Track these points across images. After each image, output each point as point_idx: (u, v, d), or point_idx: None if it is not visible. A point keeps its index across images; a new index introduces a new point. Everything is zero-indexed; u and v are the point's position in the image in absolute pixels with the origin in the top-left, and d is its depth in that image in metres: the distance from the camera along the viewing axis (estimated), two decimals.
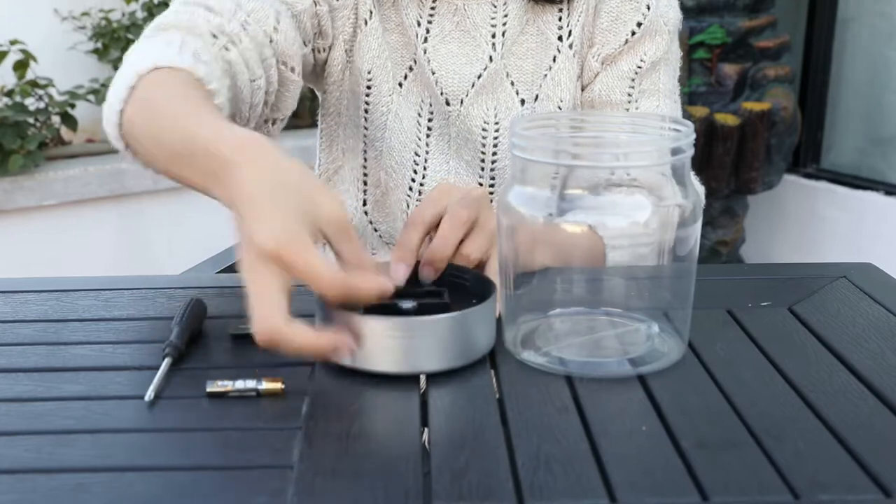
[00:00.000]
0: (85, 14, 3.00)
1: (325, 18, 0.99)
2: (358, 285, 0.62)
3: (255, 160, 0.64)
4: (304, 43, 0.98)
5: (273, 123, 1.00)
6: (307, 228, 0.61)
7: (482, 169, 1.04)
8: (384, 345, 0.65)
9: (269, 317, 0.59)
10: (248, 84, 0.90)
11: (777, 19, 2.84)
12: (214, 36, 0.87)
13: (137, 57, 0.81)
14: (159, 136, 0.74)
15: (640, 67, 1.01)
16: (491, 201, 1.02)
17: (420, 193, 1.04)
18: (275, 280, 0.60)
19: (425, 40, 1.01)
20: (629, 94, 1.02)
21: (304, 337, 0.59)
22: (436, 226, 0.75)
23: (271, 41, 0.92)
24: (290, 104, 0.99)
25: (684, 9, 1.06)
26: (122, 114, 0.79)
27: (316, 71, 1.06)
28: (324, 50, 1.02)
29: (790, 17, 3.04)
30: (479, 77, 1.01)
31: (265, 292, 0.59)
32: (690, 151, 0.66)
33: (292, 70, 0.95)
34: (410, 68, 1.03)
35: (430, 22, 1.00)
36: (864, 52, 2.97)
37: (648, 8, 1.00)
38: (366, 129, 1.05)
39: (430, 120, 1.03)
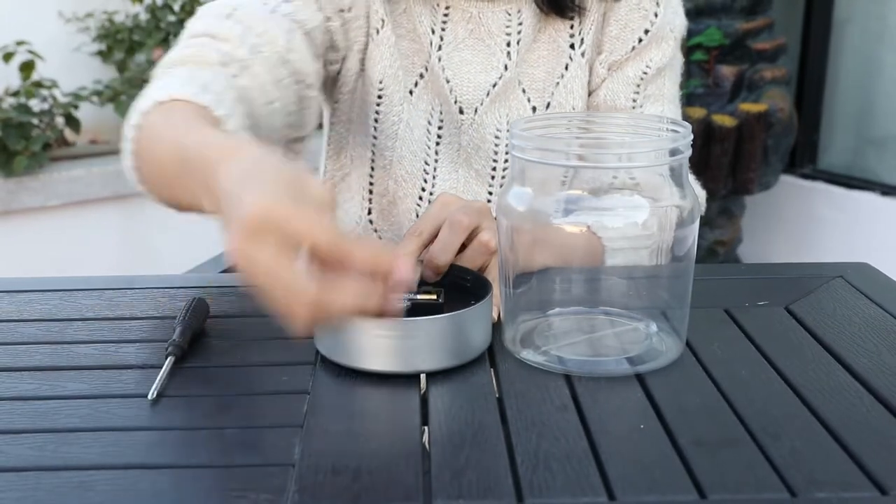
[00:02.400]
0: (89, 15, 3.00)
1: (337, 32, 0.98)
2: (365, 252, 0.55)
3: (238, 155, 0.60)
4: (316, 58, 0.97)
5: (298, 142, 0.98)
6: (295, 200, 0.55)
7: (492, 178, 1.03)
8: (379, 345, 0.65)
9: (298, 293, 0.52)
10: (264, 107, 0.87)
11: (774, 21, 2.85)
12: (224, 64, 0.85)
13: (142, 98, 0.81)
14: (159, 162, 0.74)
15: (645, 73, 1.02)
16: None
17: (429, 203, 1.04)
18: (278, 249, 0.52)
19: (439, 48, 1.00)
20: (634, 100, 1.02)
21: (346, 298, 0.53)
22: (434, 237, 0.75)
23: (286, 61, 0.90)
24: (313, 120, 0.96)
25: None
26: (133, 154, 0.78)
27: (327, 83, 1.05)
28: (336, 62, 1.01)
29: (787, 20, 3.04)
30: (493, 85, 1.01)
31: (277, 268, 0.52)
32: (688, 152, 0.66)
33: (310, 87, 0.93)
34: (421, 76, 1.02)
35: (443, 29, 1.00)
36: (860, 53, 2.97)
37: (656, 15, 1.00)
38: (375, 138, 1.04)
39: (440, 128, 1.03)
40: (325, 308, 0.52)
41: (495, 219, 0.80)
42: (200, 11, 0.92)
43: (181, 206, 0.75)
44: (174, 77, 0.82)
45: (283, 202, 0.53)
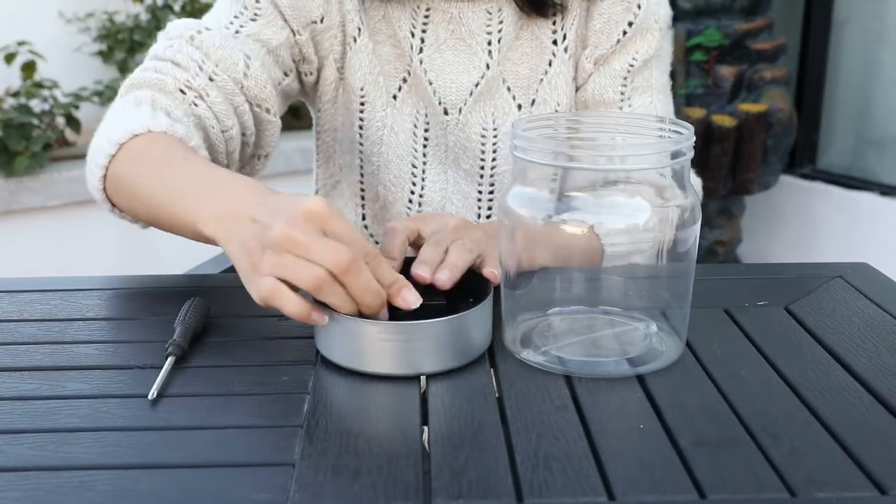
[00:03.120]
0: (90, 16, 3.00)
1: (306, 45, 0.99)
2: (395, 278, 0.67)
3: (238, 184, 0.72)
4: (285, 74, 0.99)
5: (259, 159, 1.02)
6: None
7: (481, 177, 1.04)
8: (381, 348, 0.65)
9: (341, 252, 0.62)
10: (220, 136, 0.92)
11: (773, 22, 2.85)
12: (182, 91, 0.90)
13: (114, 124, 0.84)
14: (147, 187, 0.79)
15: (632, 66, 1.02)
16: (490, 209, 1.04)
17: (420, 205, 1.04)
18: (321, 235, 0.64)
19: (420, 50, 1.00)
20: (622, 93, 1.02)
21: (373, 283, 0.65)
22: (415, 235, 0.79)
23: (242, 87, 0.93)
24: (272, 141, 1.00)
25: (681, 11, 1.07)
26: (104, 179, 0.83)
27: (307, 91, 1.06)
28: (311, 73, 1.02)
29: (786, 20, 3.04)
30: (476, 85, 1.01)
31: (322, 240, 0.63)
32: (690, 154, 0.66)
33: (268, 111, 0.97)
34: (404, 80, 1.02)
35: (424, 31, 1.00)
36: (859, 54, 2.97)
37: (639, 7, 1.00)
38: (361, 144, 1.05)
39: (426, 131, 1.03)
40: (356, 273, 0.63)
41: (476, 225, 0.82)
42: (169, 28, 0.96)
43: (158, 226, 0.80)
44: (141, 104, 0.86)
45: (327, 204, 0.65)
